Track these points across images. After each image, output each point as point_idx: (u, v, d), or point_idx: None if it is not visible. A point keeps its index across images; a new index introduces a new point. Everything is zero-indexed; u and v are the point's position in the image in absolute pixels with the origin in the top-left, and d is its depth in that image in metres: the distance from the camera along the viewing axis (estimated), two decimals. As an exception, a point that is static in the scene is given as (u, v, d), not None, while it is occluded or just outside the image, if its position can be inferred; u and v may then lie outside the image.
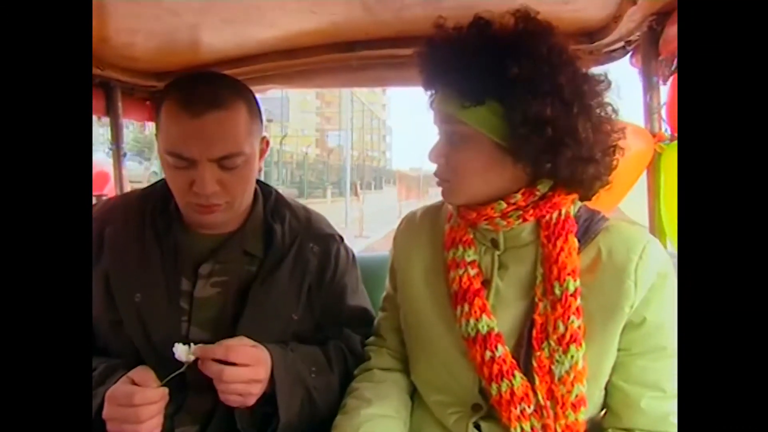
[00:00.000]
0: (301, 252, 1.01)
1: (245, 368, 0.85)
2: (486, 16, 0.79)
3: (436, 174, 0.85)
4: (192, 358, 0.84)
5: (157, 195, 1.02)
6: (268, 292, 0.96)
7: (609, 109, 0.80)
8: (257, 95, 1.00)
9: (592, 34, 1.14)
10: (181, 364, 0.85)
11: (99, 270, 0.95)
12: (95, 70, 1.30)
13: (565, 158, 0.76)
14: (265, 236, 1.01)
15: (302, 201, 1.03)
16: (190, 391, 0.92)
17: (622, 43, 1.16)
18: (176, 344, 0.84)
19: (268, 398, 0.89)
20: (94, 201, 1.18)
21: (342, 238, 1.11)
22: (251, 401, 0.87)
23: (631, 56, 1.24)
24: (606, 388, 0.84)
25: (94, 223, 0.98)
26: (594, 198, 0.87)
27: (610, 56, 1.23)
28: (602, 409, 0.86)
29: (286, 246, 1.01)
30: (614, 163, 0.83)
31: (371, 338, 1.04)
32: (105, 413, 0.81)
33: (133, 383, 0.82)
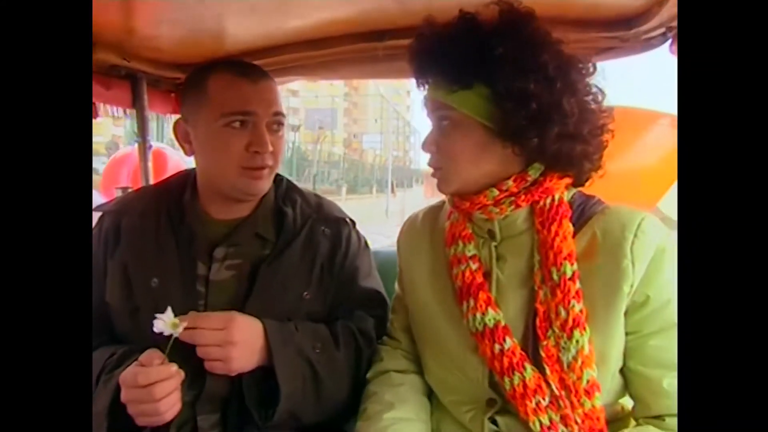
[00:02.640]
0: (312, 234, 1.03)
1: (216, 331, 0.87)
2: (470, 10, 0.82)
3: (429, 164, 0.86)
4: (179, 330, 0.82)
5: (172, 187, 1.08)
6: (277, 270, 0.98)
7: (595, 90, 0.82)
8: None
9: (630, 20, 1.09)
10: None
11: (117, 260, 1.00)
12: (122, 62, 1.30)
13: (551, 134, 0.77)
14: (277, 220, 1.04)
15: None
16: (208, 378, 0.92)
17: (662, 30, 1.10)
18: (156, 318, 0.82)
19: (273, 373, 0.90)
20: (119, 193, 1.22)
21: (354, 223, 1.12)
22: (235, 366, 0.88)
23: (671, 44, 1.18)
24: (624, 375, 0.83)
25: (111, 216, 1.04)
26: (629, 195, 0.85)
27: (649, 44, 1.18)
28: (620, 397, 0.85)
29: (297, 228, 1.03)
30: (604, 144, 0.84)
31: (384, 338, 1.03)
32: (123, 397, 0.82)
33: (141, 365, 0.84)
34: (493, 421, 0.85)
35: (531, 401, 0.79)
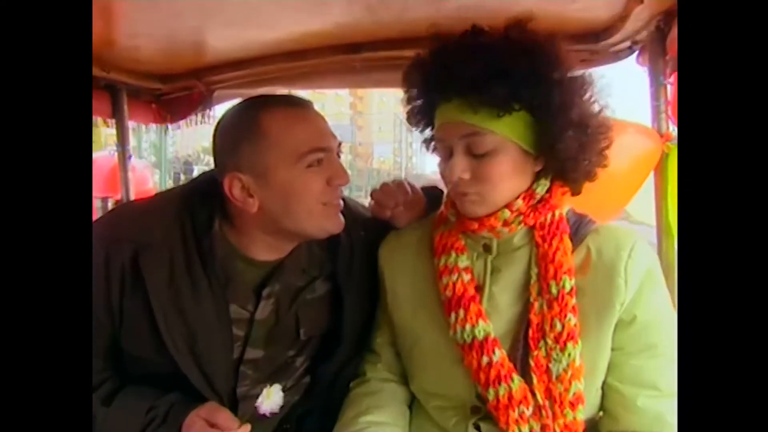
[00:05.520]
0: (358, 242, 1.00)
1: None
2: (482, 25, 0.80)
3: (458, 190, 0.82)
4: (277, 402, 0.92)
5: (195, 211, 0.93)
6: (356, 277, 0.98)
7: (604, 104, 0.83)
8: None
9: (598, 34, 1.12)
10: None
11: (140, 303, 0.88)
12: (101, 73, 1.31)
13: (594, 155, 0.80)
14: (325, 247, 0.99)
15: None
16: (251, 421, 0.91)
17: (628, 43, 1.14)
18: (258, 403, 0.91)
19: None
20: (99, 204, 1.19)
21: None
22: None
23: (638, 55, 1.22)
24: (602, 389, 0.84)
25: (124, 246, 0.88)
26: (601, 200, 0.87)
27: (616, 56, 1.22)
28: (599, 411, 0.86)
29: (346, 241, 0.99)
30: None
31: (366, 353, 1.01)
32: None
33: (211, 424, 0.84)
34: (477, 427, 0.85)
35: (515, 411, 0.79)
